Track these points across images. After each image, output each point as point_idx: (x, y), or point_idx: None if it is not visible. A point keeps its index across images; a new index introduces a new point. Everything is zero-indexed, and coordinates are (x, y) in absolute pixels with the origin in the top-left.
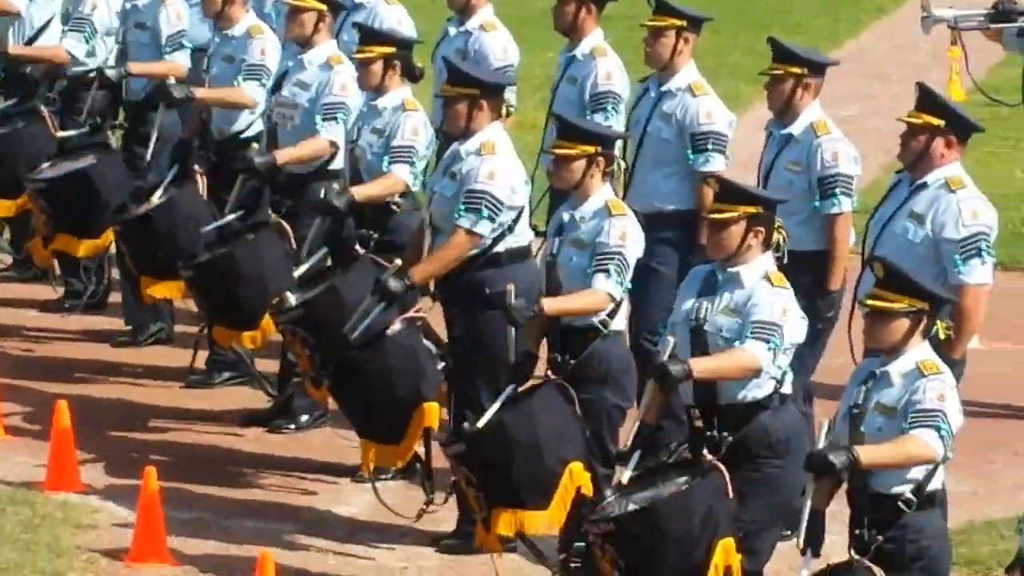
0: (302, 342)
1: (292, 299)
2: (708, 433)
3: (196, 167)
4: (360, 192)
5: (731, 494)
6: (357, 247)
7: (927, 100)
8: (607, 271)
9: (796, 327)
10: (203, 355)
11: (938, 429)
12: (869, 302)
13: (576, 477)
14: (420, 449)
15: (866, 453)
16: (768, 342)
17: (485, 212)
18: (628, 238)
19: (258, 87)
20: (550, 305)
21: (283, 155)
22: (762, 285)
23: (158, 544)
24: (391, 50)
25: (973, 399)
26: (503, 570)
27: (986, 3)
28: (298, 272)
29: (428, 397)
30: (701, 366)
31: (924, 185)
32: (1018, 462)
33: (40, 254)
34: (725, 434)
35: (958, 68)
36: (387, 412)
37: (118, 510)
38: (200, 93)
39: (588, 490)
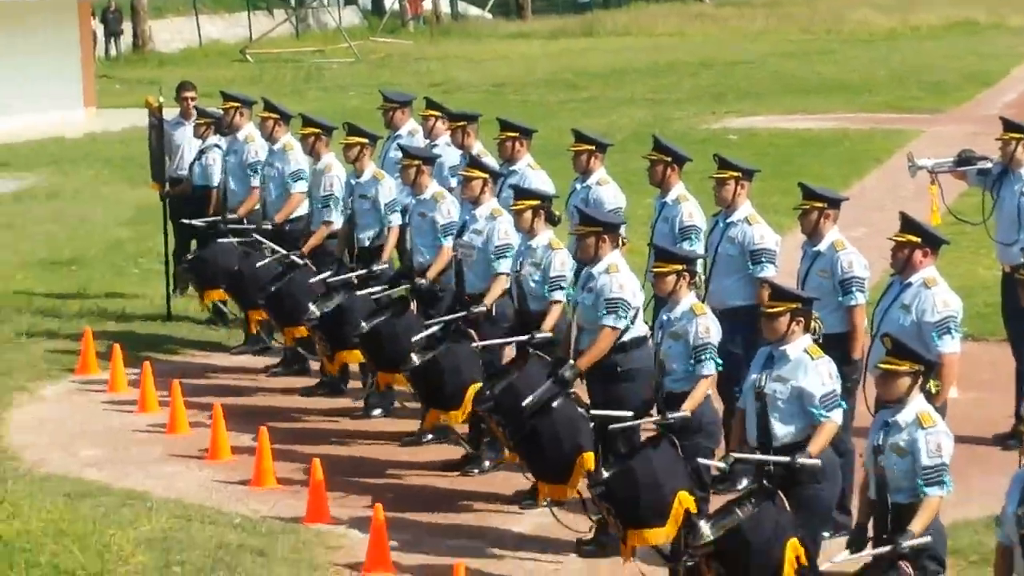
0: (496, 422)
1: (487, 392)
2: (767, 467)
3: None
4: (584, 361)
5: (788, 508)
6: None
7: (907, 224)
8: (704, 362)
9: (840, 386)
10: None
11: (942, 484)
12: (881, 366)
13: (684, 501)
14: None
15: (916, 528)
16: (839, 406)
17: (621, 312)
18: (711, 331)
19: (447, 239)
20: (690, 404)
21: (490, 298)
22: (804, 358)
23: (384, 558)
24: (537, 203)
25: (953, 432)
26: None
27: (953, 152)
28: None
29: (586, 448)
30: (815, 447)
31: (909, 284)
32: (987, 476)
33: (329, 367)
34: (784, 468)
35: (936, 200)
36: (557, 461)
37: (356, 535)
38: (433, 271)
39: (693, 508)
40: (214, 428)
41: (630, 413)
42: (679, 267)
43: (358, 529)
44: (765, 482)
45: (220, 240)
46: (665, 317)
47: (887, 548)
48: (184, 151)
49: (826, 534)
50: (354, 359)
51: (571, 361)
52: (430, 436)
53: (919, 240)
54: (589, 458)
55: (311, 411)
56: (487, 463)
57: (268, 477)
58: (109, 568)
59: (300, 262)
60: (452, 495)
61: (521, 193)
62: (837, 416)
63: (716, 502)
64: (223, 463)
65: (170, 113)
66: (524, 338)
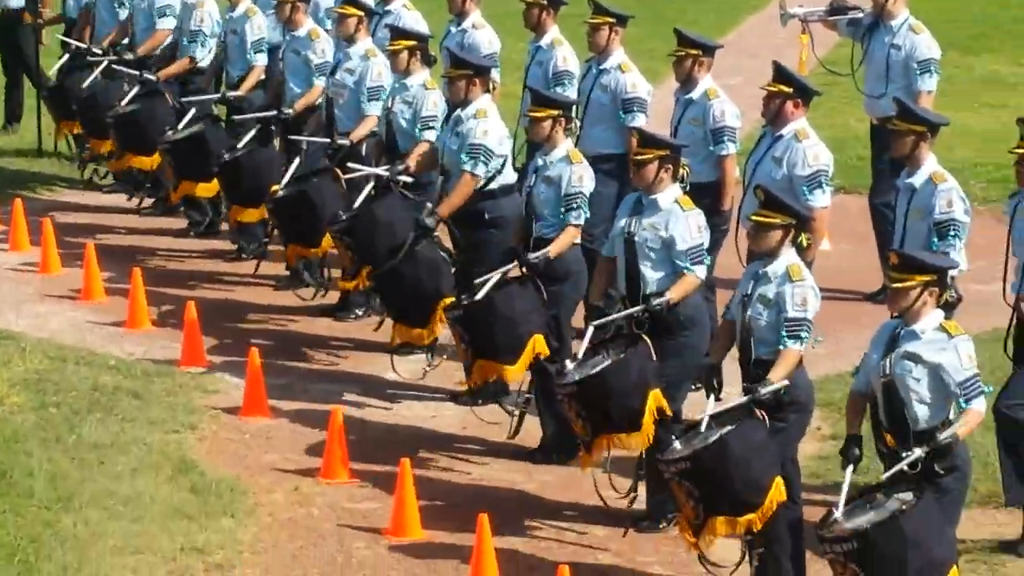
0: (346, 246)
1: (342, 215)
2: (635, 316)
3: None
4: (445, 208)
5: (654, 357)
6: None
7: (779, 73)
8: (577, 210)
9: (708, 236)
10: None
11: (800, 337)
12: (753, 218)
13: (537, 345)
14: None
15: (774, 377)
16: (702, 262)
17: (482, 159)
18: (584, 180)
19: (320, 78)
20: (555, 249)
21: (356, 135)
22: (675, 209)
23: (261, 403)
24: (413, 43)
25: (826, 286)
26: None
27: (825, 2)
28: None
29: (445, 293)
30: (675, 295)
31: (781, 136)
32: (859, 330)
33: (172, 196)
34: (647, 314)
35: (807, 49)
36: (417, 304)
37: (232, 379)
38: (301, 104)
39: (544, 353)
40: (87, 268)
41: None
42: (555, 112)
43: (234, 373)
44: (634, 329)
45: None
46: (540, 162)
47: (746, 397)
48: None
49: (695, 385)
50: (200, 191)
51: (430, 206)
52: (308, 282)
53: (791, 90)
54: (446, 302)
55: (184, 253)
56: (359, 311)
57: (142, 319)
58: None
59: (154, 82)
60: (326, 341)
61: (397, 33)
62: (700, 271)
63: None
64: (96, 304)
65: None
66: (383, 170)
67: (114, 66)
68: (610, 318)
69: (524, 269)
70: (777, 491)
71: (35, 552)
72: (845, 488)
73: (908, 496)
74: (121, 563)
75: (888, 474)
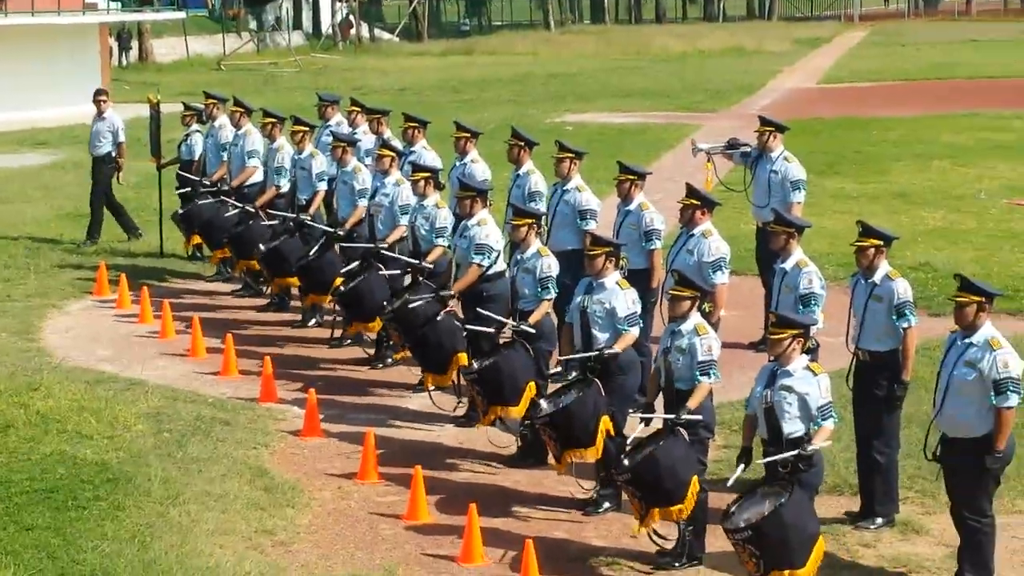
0: (395, 329)
1: (387, 307)
2: (589, 363)
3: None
4: (457, 288)
5: (603, 393)
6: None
7: (691, 191)
8: (547, 289)
9: (640, 306)
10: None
11: (709, 374)
12: (672, 292)
13: (530, 389)
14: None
15: (691, 404)
16: (637, 324)
17: (485, 254)
18: (552, 267)
19: (363, 200)
20: (535, 318)
21: (391, 240)
22: (616, 288)
23: (316, 427)
24: (429, 174)
25: (722, 340)
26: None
27: (724, 140)
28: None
29: (459, 349)
30: (618, 347)
31: (692, 235)
32: (743, 370)
33: (274, 288)
34: (598, 361)
35: (711, 174)
36: (439, 358)
37: (296, 410)
38: (351, 221)
39: (534, 394)
40: (193, 334)
41: (492, 330)
42: (530, 221)
43: (298, 406)
44: (588, 374)
45: (200, 200)
46: (519, 257)
47: (671, 417)
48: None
49: (631, 411)
50: (292, 284)
51: (449, 287)
52: (348, 340)
53: (699, 203)
54: (463, 357)
55: (264, 322)
56: (389, 359)
57: (232, 369)
58: (118, 434)
59: (253, 211)
60: (365, 383)
61: (417, 167)
62: (635, 331)
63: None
64: (200, 360)
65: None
66: (416, 262)
67: (224, 198)
68: (574, 356)
69: (514, 335)
70: (695, 487)
71: (150, 535)
72: (734, 477)
73: (782, 491)
74: (213, 542)
75: (765, 460)
